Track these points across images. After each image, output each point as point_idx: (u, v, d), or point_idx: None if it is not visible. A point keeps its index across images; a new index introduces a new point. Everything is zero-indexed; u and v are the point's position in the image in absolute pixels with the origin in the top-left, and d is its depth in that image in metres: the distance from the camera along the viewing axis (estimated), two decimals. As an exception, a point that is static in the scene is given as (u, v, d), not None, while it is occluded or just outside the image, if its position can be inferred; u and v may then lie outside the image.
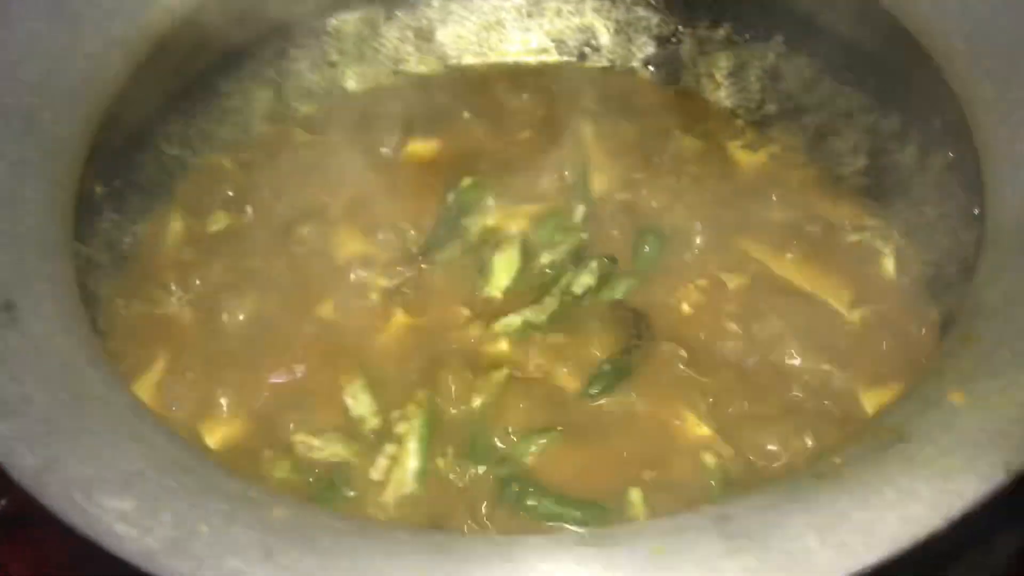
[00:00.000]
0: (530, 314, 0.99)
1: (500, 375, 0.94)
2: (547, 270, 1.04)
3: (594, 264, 1.02)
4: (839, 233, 1.10)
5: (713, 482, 0.88)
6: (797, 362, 0.97)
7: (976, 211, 1.01)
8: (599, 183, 1.14)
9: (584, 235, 1.07)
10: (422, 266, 1.05)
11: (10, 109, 0.77)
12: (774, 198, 1.13)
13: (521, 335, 0.98)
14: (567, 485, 0.88)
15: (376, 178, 1.14)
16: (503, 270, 1.03)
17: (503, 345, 0.98)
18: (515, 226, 1.10)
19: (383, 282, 1.05)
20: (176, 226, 1.11)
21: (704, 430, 0.91)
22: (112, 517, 0.53)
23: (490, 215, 1.11)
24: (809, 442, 0.90)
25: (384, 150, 1.18)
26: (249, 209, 1.11)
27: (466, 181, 1.13)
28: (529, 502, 0.86)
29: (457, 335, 1.00)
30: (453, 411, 0.93)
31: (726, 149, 1.20)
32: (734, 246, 1.08)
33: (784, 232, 1.09)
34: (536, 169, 1.15)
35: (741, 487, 0.86)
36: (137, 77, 0.95)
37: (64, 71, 0.82)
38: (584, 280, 1.02)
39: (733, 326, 1.00)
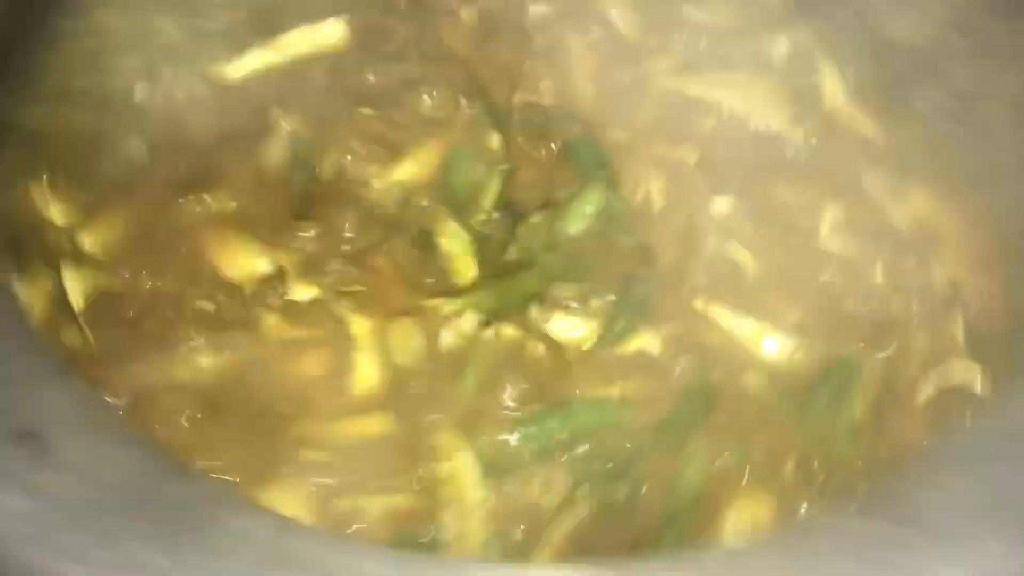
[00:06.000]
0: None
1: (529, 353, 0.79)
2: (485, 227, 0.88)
3: (536, 217, 0.87)
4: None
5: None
6: (799, 215, 0.89)
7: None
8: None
9: (504, 166, 0.91)
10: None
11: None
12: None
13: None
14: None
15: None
16: (460, 254, 0.85)
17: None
18: (423, 171, 0.92)
19: (314, 291, 0.84)
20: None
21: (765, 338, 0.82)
22: None
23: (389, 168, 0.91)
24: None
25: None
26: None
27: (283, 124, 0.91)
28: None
29: (437, 324, 0.82)
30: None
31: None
32: (666, 99, 0.96)
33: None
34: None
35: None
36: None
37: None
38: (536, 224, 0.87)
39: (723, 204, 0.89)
